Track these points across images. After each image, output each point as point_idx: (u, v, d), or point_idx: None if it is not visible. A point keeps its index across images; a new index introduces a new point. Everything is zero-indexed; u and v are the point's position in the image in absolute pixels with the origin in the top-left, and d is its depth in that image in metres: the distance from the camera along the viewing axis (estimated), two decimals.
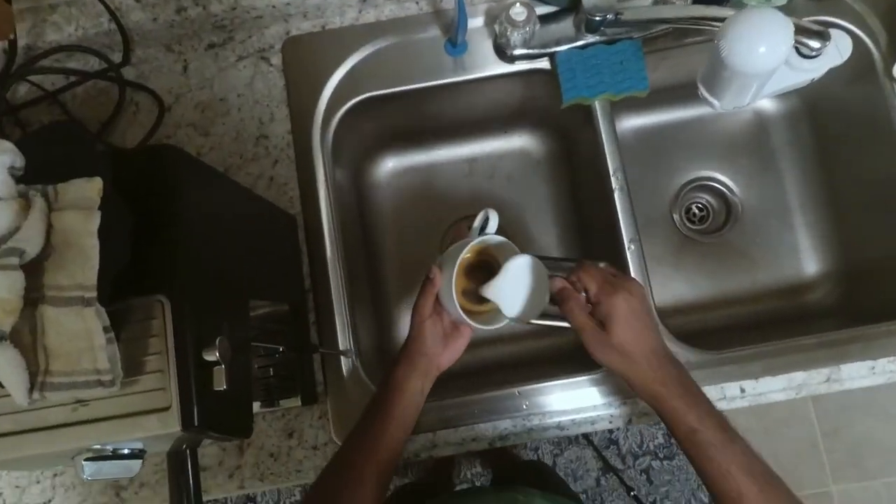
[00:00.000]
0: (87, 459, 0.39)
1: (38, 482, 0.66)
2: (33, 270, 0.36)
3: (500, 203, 0.86)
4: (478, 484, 1.50)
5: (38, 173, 0.37)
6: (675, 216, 0.88)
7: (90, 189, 0.36)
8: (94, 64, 0.72)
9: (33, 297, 0.36)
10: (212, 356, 0.40)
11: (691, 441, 0.48)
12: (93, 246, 0.36)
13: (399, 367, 0.56)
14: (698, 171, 0.88)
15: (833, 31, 0.56)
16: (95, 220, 0.36)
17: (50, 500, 0.66)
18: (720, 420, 0.49)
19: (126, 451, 0.41)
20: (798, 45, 0.56)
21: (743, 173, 0.87)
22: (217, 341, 0.40)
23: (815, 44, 0.55)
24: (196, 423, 0.38)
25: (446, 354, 0.57)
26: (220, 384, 0.40)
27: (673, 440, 1.48)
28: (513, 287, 0.54)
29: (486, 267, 0.57)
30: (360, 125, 0.76)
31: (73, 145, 0.39)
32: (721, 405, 0.65)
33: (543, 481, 0.97)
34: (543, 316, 0.55)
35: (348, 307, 0.68)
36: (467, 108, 0.79)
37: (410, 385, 0.55)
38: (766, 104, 0.87)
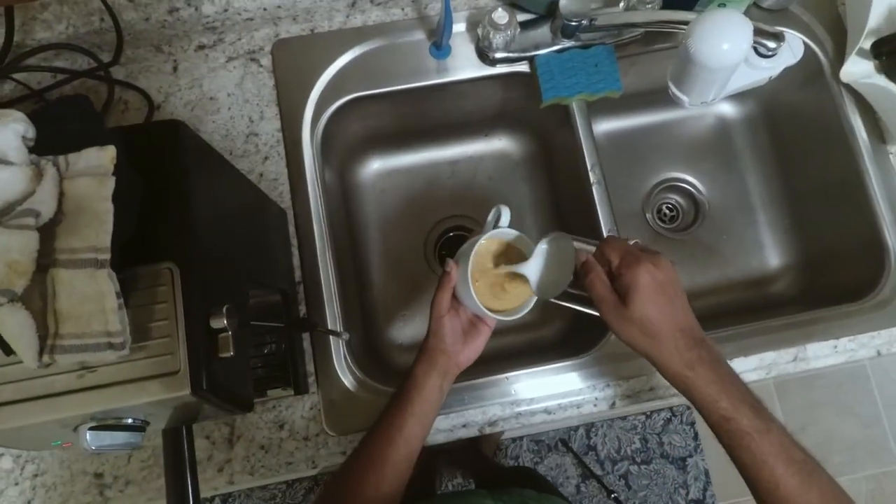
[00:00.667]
0: (90, 429, 0.39)
1: (17, 483, 0.64)
2: (45, 236, 0.36)
3: (482, 203, 0.89)
4: None
5: (49, 145, 0.38)
6: (648, 215, 0.93)
7: (104, 157, 0.37)
8: (82, 63, 0.73)
9: (44, 263, 0.36)
10: (219, 324, 0.41)
11: (724, 429, 0.46)
12: (107, 210, 0.37)
13: (418, 365, 0.55)
14: (667, 172, 0.93)
15: (787, 33, 0.62)
16: (110, 185, 0.37)
17: (29, 502, 0.64)
18: (755, 406, 0.46)
19: (129, 422, 0.41)
20: (756, 45, 0.61)
21: (708, 174, 0.93)
22: (224, 309, 0.41)
23: (771, 44, 0.61)
24: (205, 387, 0.38)
25: (465, 352, 0.56)
26: (227, 350, 0.40)
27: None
28: (541, 265, 0.54)
29: (500, 259, 0.57)
30: (348, 125, 0.78)
31: (83, 118, 0.40)
32: None
33: (535, 483, 0.97)
34: (572, 299, 0.54)
35: (338, 299, 0.69)
36: (450, 110, 0.82)
37: (430, 383, 0.54)
38: (727, 109, 0.93)
